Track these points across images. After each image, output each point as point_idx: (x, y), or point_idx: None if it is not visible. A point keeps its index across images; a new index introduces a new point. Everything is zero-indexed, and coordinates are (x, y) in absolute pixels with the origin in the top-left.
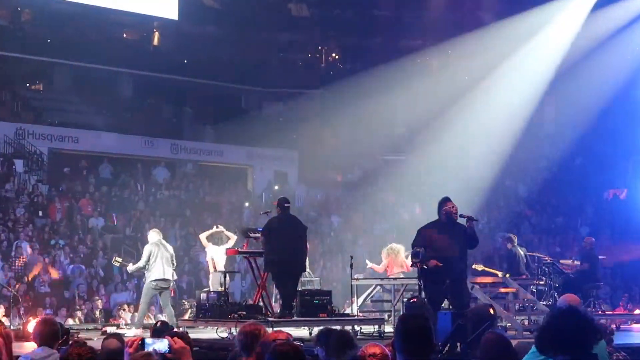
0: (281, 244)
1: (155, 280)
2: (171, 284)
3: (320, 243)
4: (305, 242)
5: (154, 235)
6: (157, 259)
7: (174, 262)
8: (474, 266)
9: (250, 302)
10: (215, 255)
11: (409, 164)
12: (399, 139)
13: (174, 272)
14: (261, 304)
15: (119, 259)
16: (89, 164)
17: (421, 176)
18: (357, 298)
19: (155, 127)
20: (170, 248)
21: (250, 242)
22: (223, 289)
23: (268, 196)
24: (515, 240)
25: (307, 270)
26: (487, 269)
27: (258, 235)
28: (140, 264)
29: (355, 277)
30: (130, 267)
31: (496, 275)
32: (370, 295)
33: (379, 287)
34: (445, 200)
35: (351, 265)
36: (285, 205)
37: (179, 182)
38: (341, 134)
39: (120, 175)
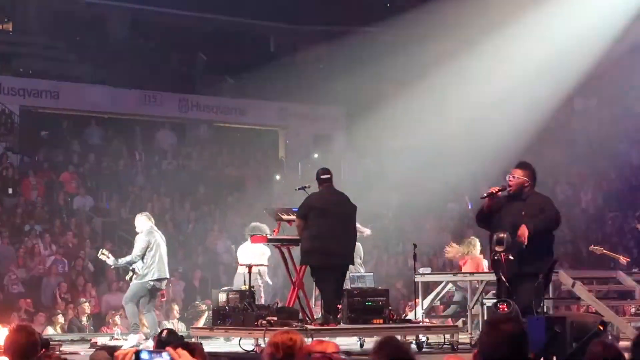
0: (323, 229)
1: (155, 280)
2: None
3: (373, 228)
4: (354, 226)
5: (144, 222)
6: (157, 253)
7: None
8: (591, 247)
9: (283, 304)
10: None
11: (495, 124)
12: (486, 95)
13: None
14: (297, 306)
15: (106, 252)
16: (73, 126)
17: (508, 140)
18: (422, 299)
19: (159, 78)
20: (164, 238)
21: (283, 226)
22: (248, 287)
23: (305, 167)
24: None
25: (359, 262)
26: (607, 253)
27: (293, 217)
28: (133, 257)
29: (420, 272)
30: (119, 261)
31: (618, 259)
32: (440, 296)
33: (450, 285)
34: (517, 164)
35: (414, 257)
36: (327, 177)
37: (190, 149)
38: (398, 86)
39: (113, 141)
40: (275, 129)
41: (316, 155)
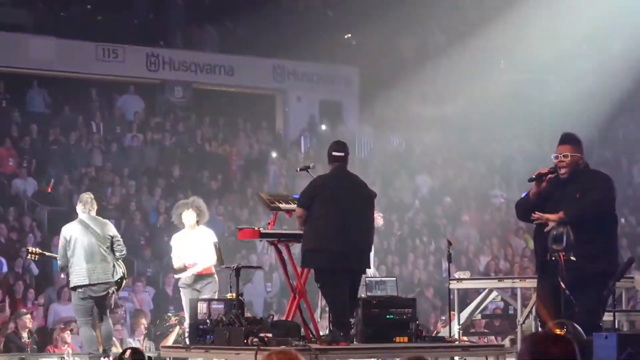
0: (332, 222)
1: (78, 287)
2: (111, 289)
3: (396, 221)
4: (372, 219)
5: (79, 210)
6: (77, 252)
7: (118, 249)
8: None
9: (280, 317)
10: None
11: (553, 88)
12: (544, 54)
13: (117, 266)
14: (298, 320)
15: (36, 251)
16: (10, 89)
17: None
18: (459, 311)
19: (120, 27)
20: (108, 228)
21: (280, 217)
22: (235, 295)
23: (310, 142)
24: None
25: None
26: None
27: (293, 206)
28: (60, 260)
29: (456, 277)
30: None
31: None
32: (482, 307)
33: (495, 294)
34: (561, 139)
35: (449, 257)
36: (340, 155)
37: (161, 118)
38: (434, 41)
39: (63, 108)
40: (271, 94)
41: (323, 127)
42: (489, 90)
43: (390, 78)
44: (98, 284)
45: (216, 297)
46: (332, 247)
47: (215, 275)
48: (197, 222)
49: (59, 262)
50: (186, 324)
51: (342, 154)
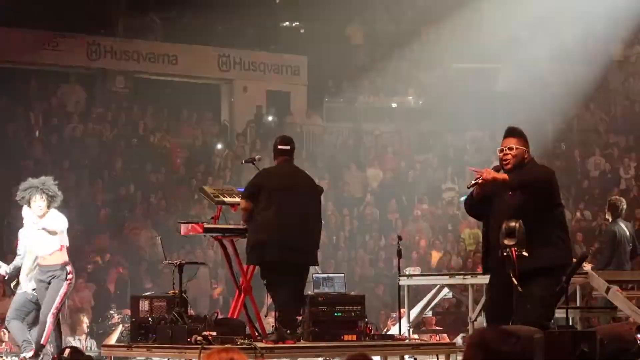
0: (279, 215)
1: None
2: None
3: (347, 216)
4: (319, 213)
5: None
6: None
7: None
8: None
9: (225, 315)
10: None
11: (504, 73)
12: (493, 40)
13: None
14: (244, 318)
15: None
16: None
17: (516, 92)
18: (409, 308)
19: (58, 14)
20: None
21: (225, 212)
22: (177, 292)
23: (256, 133)
24: (622, 209)
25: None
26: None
27: (238, 200)
28: (18, 261)
29: (406, 273)
30: (9, 268)
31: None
32: (432, 304)
33: (446, 290)
34: (506, 133)
35: (399, 253)
36: (286, 149)
37: (103, 110)
38: (385, 26)
39: (0, 99)
40: (217, 83)
41: (270, 118)
42: (440, 79)
43: (339, 67)
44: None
45: (58, 297)
46: (277, 240)
47: (66, 270)
48: (48, 207)
49: (17, 262)
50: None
51: (288, 147)
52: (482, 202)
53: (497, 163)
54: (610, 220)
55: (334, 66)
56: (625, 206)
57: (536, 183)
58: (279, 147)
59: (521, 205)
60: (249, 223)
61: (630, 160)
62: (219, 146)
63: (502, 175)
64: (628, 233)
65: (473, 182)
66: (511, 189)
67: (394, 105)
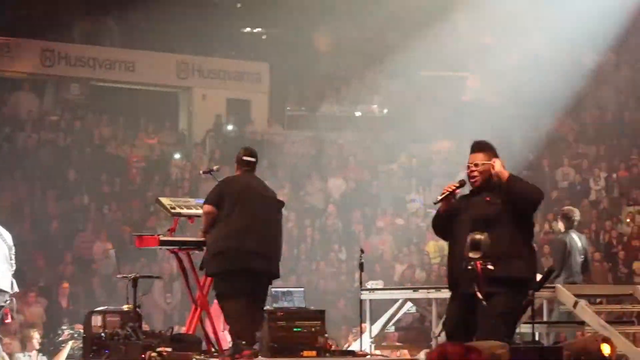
0: (241, 224)
1: None
2: (6, 300)
3: (309, 227)
4: (280, 227)
5: None
6: None
7: (14, 261)
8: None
9: (181, 330)
10: None
11: (471, 82)
12: (461, 48)
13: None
14: (200, 333)
15: None
16: None
17: (483, 101)
18: (371, 324)
19: (11, 18)
20: (8, 236)
21: (182, 224)
22: (132, 307)
23: (216, 143)
24: (575, 220)
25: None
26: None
27: (195, 212)
28: None
29: (368, 287)
30: None
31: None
32: (395, 319)
33: (409, 305)
34: (472, 148)
35: (361, 266)
36: (250, 160)
37: (57, 117)
38: (350, 34)
39: None
40: (175, 91)
41: (230, 128)
42: (406, 87)
43: (302, 75)
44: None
45: None
46: (240, 247)
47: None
48: None
49: None
50: None
51: (253, 159)
52: (448, 218)
53: (463, 175)
54: (562, 230)
55: (297, 73)
56: (578, 217)
57: (533, 195)
58: (244, 158)
59: (497, 216)
60: (209, 230)
61: (601, 171)
62: (177, 156)
63: (503, 171)
64: (580, 245)
65: (440, 197)
66: (507, 193)
67: (358, 114)
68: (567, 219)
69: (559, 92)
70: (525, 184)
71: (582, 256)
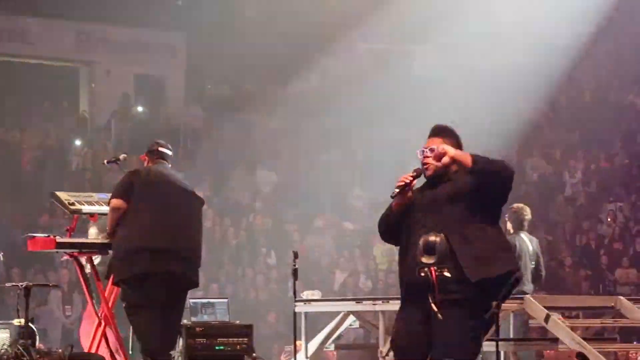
0: (151, 226)
1: None
2: None
3: (232, 227)
4: (200, 227)
5: None
6: None
7: None
8: None
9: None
10: None
11: (421, 57)
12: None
13: None
14: (105, 352)
15: None
16: None
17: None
18: (307, 340)
19: None
20: None
21: (83, 223)
22: (24, 321)
23: (122, 127)
24: (525, 220)
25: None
26: None
27: (98, 208)
28: None
29: (303, 297)
30: None
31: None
32: (335, 335)
33: (352, 319)
34: (432, 131)
35: (295, 273)
36: (164, 152)
37: None
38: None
39: None
40: (74, 66)
41: (140, 109)
42: (346, 62)
43: (225, 48)
44: None
45: None
46: (148, 247)
47: None
48: None
49: None
50: None
51: (169, 152)
52: (401, 218)
53: (418, 165)
54: (511, 231)
55: (219, 46)
56: (530, 217)
57: (504, 172)
58: (160, 149)
59: (462, 210)
60: (117, 229)
61: (577, 162)
62: (77, 142)
63: (462, 154)
64: (531, 248)
65: (396, 189)
66: (471, 172)
67: (291, 93)
68: (517, 219)
69: (528, 70)
70: (491, 161)
71: (533, 262)
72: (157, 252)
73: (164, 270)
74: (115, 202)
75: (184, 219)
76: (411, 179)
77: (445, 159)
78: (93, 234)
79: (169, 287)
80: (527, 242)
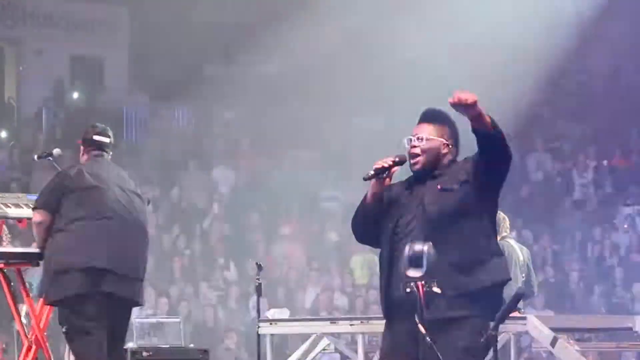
0: (90, 231)
1: None
2: None
3: (185, 234)
4: (145, 237)
5: None
6: None
7: None
8: None
9: None
10: None
11: (405, 33)
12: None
13: None
14: None
15: None
16: None
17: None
18: None
19: None
20: None
21: (9, 229)
22: None
23: (55, 117)
24: (505, 227)
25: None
26: None
27: (27, 212)
28: None
29: (268, 317)
30: None
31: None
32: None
33: (326, 341)
34: (421, 117)
35: (258, 288)
36: (103, 141)
37: None
38: None
39: None
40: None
41: (76, 96)
42: (318, 42)
43: (175, 25)
44: None
45: None
46: (86, 263)
47: None
48: None
49: None
50: None
51: (107, 139)
52: (378, 212)
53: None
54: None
55: (168, 23)
56: (508, 225)
57: (508, 151)
58: (94, 138)
59: (457, 210)
60: (46, 244)
61: (588, 159)
62: (2, 135)
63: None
64: (522, 258)
65: (371, 172)
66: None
67: (253, 78)
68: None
69: (529, 50)
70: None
71: (524, 275)
72: (91, 271)
73: (103, 291)
74: (37, 215)
75: (126, 229)
76: (391, 163)
77: (472, 98)
78: None
79: (109, 308)
80: (517, 250)
